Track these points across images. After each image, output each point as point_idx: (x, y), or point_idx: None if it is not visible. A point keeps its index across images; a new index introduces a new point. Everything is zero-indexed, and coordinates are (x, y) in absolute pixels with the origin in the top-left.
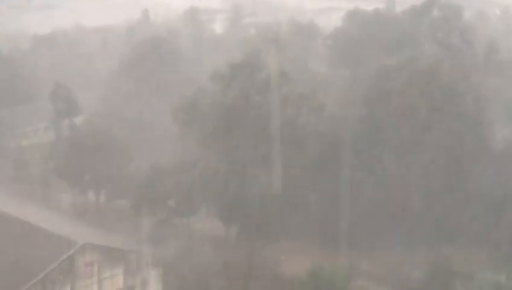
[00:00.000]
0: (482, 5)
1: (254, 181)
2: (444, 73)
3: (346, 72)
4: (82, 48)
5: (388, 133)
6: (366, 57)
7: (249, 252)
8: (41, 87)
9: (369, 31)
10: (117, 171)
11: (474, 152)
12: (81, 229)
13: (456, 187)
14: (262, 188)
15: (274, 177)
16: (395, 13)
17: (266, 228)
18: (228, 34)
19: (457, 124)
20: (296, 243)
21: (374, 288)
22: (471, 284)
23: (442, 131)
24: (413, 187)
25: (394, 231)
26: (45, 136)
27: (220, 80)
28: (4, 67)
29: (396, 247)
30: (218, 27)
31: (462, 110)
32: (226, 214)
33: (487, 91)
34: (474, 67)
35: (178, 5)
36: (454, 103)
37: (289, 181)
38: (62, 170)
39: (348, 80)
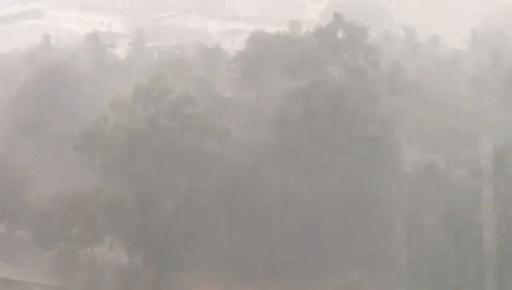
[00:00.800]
0: (387, 26)
1: (159, 208)
2: (349, 96)
3: (251, 95)
4: None
5: (295, 157)
6: (271, 79)
7: (154, 282)
8: None
9: (272, 53)
10: (17, 202)
11: (381, 174)
12: None
13: (364, 210)
14: (168, 215)
15: (179, 204)
16: (299, 35)
17: (172, 256)
18: (131, 58)
19: (364, 147)
20: (207, 270)
21: None
22: None
23: (349, 154)
24: (321, 212)
25: (304, 256)
26: None
27: (123, 106)
28: None
29: (305, 272)
30: (122, 51)
31: (368, 132)
32: (131, 243)
33: (393, 112)
34: (380, 89)
35: (80, 29)
36: (360, 125)
37: (195, 208)
38: None
39: (252, 103)
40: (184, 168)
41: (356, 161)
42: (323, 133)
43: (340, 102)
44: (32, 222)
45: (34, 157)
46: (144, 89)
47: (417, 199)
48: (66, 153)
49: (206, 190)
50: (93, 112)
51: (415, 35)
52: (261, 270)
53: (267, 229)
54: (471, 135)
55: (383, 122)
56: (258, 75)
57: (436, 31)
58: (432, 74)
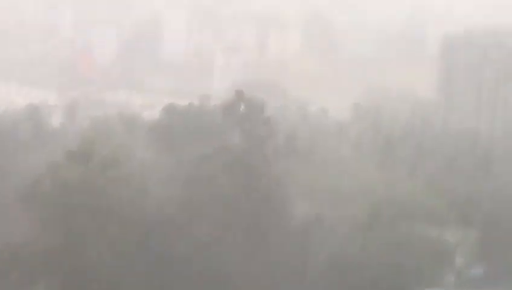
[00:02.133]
0: (283, 100)
1: (88, 256)
2: (249, 160)
3: (168, 159)
4: None
5: (203, 211)
6: (184, 146)
7: None
8: None
9: (184, 123)
10: None
11: (274, 227)
12: None
13: (260, 257)
14: (94, 262)
15: (104, 252)
16: (208, 107)
17: None
18: (65, 127)
19: (259, 203)
20: None
21: None
22: None
23: (246, 209)
24: (225, 261)
25: None
26: None
27: (57, 167)
28: None
29: None
30: (56, 121)
31: (264, 191)
32: (63, 287)
33: (288, 174)
34: (276, 154)
35: (20, 101)
36: (257, 184)
37: (119, 255)
38: None
39: (168, 166)
40: (109, 220)
41: (252, 215)
42: (225, 191)
43: (241, 165)
44: None
45: None
46: (75, 153)
47: (304, 249)
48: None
49: (129, 240)
50: (31, 174)
51: (306, 108)
52: None
53: (181, 275)
54: (353, 192)
55: (278, 182)
56: (174, 142)
57: (325, 105)
58: (320, 141)
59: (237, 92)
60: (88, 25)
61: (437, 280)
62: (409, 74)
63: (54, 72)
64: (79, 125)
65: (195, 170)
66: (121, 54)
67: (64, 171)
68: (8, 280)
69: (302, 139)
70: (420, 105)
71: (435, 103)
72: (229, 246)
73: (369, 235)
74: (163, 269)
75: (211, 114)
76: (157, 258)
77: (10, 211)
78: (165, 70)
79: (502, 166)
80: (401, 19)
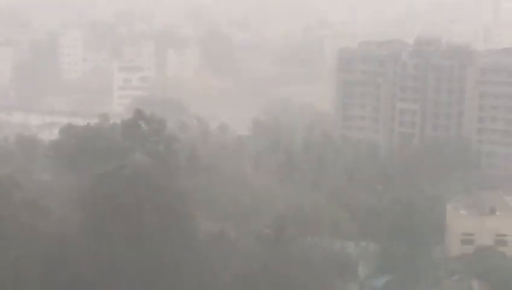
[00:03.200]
0: (183, 117)
1: None
2: (151, 177)
3: (67, 179)
4: None
5: (104, 229)
6: (83, 165)
7: None
8: None
9: (83, 143)
10: None
11: (178, 242)
12: None
13: (164, 273)
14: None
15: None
16: (107, 127)
17: None
18: None
19: (163, 219)
20: None
21: None
22: None
23: (150, 225)
24: (126, 278)
25: None
26: None
27: None
28: None
29: None
30: None
31: (166, 207)
32: None
33: (190, 190)
34: (178, 171)
35: None
36: (160, 201)
37: (19, 276)
38: None
39: (68, 186)
40: (10, 245)
41: (156, 230)
42: (128, 208)
43: (142, 182)
44: None
45: None
46: None
47: (208, 265)
48: None
49: (30, 261)
50: None
51: (206, 124)
52: None
53: None
54: (255, 207)
55: (181, 198)
56: (73, 161)
57: (224, 120)
58: (221, 157)
59: (137, 111)
60: None
61: None
62: (307, 88)
63: None
64: None
65: (95, 189)
66: (17, 74)
67: None
68: None
69: (203, 156)
70: (319, 118)
71: (333, 116)
72: (133, 264)
73: (273, 250)
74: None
75: (111, 133)
76: (60, 280)
77: None
78: (63, 91)
79: (400, 178)
80: (298, 34)
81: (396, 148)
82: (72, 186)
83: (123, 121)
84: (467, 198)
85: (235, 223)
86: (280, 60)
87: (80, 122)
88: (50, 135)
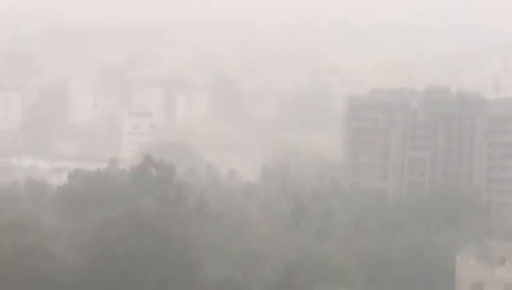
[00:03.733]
0: (192, 162)
1: None
2: (159, 223)
3: (76, 225)
4: None
5: (113, 274)
6: (91, 210)
7: None
8: None
9: (92, 188)
10: None
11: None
12: None
13: None
14: None
15: None
16: (117, 172)
17: None
18: None
19: (171, 266)
20: None
21: None
22: None
23: (157, 271)
24: None
25: None
26: None
27: None
28: None
29: None
30: None
31: (176, 254)
32: None
33: (198, 236)
34: (188, 218)
35: None
36: (168, 247)
37: None
38: None
39: (76, 231)
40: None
41: (164, 277)
42: (136, 254)
43: (151, 229)
44: None
45: None
46: None
47: None
48: None
49: None
50: None
51: (215, 170)
52: None
53: None
54: (264, 254)
55: (189, 244)
56: (81, 206)
57: (233, 166)
58: (230, 204)
59: (146, 157)
60: None
61: None
62: (316, 135)
63: None
64: None
65: (104, 234)
66: (26, 119)
67: None
68: None
69: (212, 202)
70: (328, 166)
71: (342, 164)
72: None
73: None
74: None
75: (120, 178)
76: None
77: None
78: (73, 136)
79: (409, 227)
80: (306, 80)
81: (405, 197)
82: (80, 231)
83: (132, 166)
84: (477, 247)
85: (243, 270)
86: (288, 106)
87: (89, 167)
88: (58, 180)
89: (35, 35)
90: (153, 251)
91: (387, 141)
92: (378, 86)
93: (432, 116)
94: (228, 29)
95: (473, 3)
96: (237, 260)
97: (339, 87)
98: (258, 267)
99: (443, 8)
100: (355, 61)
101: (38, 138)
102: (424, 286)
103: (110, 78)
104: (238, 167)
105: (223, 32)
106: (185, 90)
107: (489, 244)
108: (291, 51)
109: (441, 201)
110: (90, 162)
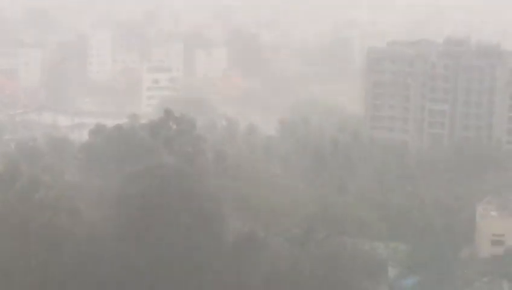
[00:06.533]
0: (211, 117)
1: (18, 281)
2: (179, 177)
3: (97, 180)
4: None
5: (134, 229)
6: (112, 166)
7: None
8: None
9: (113, 144)
10: None
11: (207, 243)
12: None
13: (192, 274)
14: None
15: (35, 277)
16: (136, 128)
17: None
18: None
19: (193, 220)
20: None
21: None
22: None
23: (179, 226)
24: (158, 278)
25: None
26: None
27: None
28: None
29: None
30: None
31: (195, 207)
32: None
33: (218, 190)
34: (206, 172)
35: None
36: (189, 201)
37: (50, 279)
38: None
39: (98, 187)
40: (38, 244)
41: (186, 231)
42: (156, 208)
43: (172, 183)
44: None
45: None
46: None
47: (239, 263)
48: None
49: (60, 262)
50: None
51: (235, 125)
52: None
53: None
54: (284, 208)
55: (210, 199)
56: (102, 162)
57: (252, 121)
58: (249, 157)
59: (166, 111)
60: (12, 47)
61: None
62: (335, 89)
63: None
64: (3, 147)
65: (125, 189)
66: (46, 75)
67: None
68: None
69: (231, 156)
70: (347, 119)
71: (362, 116)
72: (163, 264)
73: (302, 250)
74: None
75: (140, 133)
76: (90, 281)
77: None
78: (92, 91)
79: (429, 179)
80: (326, 34)
81: (425, 149)
82: (101, 187)
83: (152, 121)
84: (497, 199)
85: (264, 223)
86: (308, 60)
87: (109, 122)
88: (79, 136)
89: None
90: (173, 204)
91: (406, 93)
92: (397, 38)
93: (451, 68)
94: None
95: None
96: (257, 214)
97: (358, 40)
98: (279, 220)
99: None
100: (375, 14)
101: (58, 94)
102: (445, 238)
103: (129, 33)
104: (257, 120)
105: None
106: (205, 45)
107: (510, 195)
108: (311, 4)
109: (460, 153)
110: (111, 117)
